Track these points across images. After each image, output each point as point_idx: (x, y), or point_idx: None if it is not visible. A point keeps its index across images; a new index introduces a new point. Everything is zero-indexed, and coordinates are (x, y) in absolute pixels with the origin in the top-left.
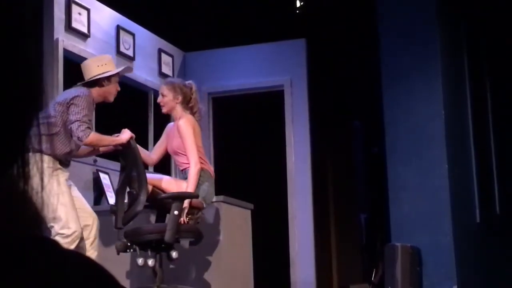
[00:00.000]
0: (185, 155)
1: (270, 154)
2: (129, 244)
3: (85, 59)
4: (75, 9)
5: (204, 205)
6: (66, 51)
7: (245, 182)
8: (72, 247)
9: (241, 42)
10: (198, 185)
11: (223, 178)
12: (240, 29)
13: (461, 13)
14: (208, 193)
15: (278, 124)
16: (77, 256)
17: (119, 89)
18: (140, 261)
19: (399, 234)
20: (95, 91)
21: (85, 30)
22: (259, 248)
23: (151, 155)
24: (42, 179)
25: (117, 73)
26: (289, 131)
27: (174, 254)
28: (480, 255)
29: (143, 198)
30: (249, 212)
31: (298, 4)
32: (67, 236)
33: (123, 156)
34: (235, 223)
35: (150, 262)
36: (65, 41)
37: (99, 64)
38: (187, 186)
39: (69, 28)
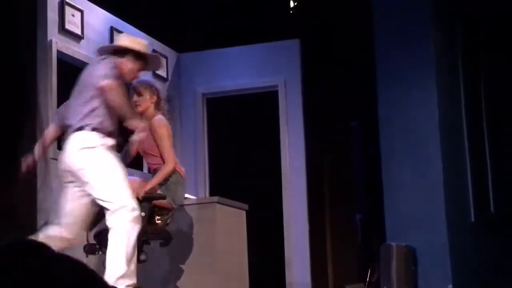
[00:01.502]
0: (156, 156)
1: (265, 155)
2: (97, 246)
3: (78, 60)
4: (68, 10)
5: (174, 206)
6: (59, 52)
7: (239, 183)
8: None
9: (235, 43)
10: (168, 186)
11: (217, 178)
12: (234, 29)
13: (457, 14)
14: (177, 195)
15: (273, 124)
16: (67, 259)
17: (138, 76)
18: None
19: (394, 234)
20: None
21: (78, 31)
22: (254, 248)
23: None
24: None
25: (141, 56)
26: (283, 132)
27: (142, 256)
28: (475, 255)
29: None
30: (244, 212)
31: (292, 4)
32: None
33: None
34: (230, 224)
35: None
36: (58, 42)
37: (134, 41)
38: (151, 180)
39: (62, 29)
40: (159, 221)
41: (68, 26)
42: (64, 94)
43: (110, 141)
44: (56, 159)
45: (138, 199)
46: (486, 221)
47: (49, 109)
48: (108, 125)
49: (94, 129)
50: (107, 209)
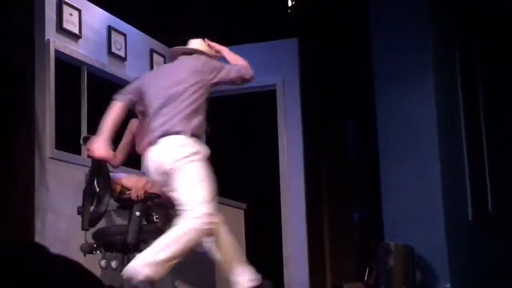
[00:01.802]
0: None
1: (263, 154)
2: (95, 245)
3: (77, 60)
4: (66, 9)
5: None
6: (57, 51)
7: (238, 182)
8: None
9: (233, 42)
10: None
11: (215, 178)
12: (231, 29)
13: (454, 13)
14: None
15: (271, 124)
16: (65, 260)
17: None
18: (102, 263)
19: (393, 233)
20: None
21: (76, 30)
22: (253, 247)
23: (116, 154)
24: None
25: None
26: (281, 131)
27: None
28: (473, 253)
29: (106, 199)
30: (242, 212)
31: (290, 3)
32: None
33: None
34: (228, 223)
35: (113, 264)
36: (56, 41)
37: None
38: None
39: (60, 28)
40: (157, 220)
41: (66, 25)
42: (61, 94)
43: (207, 150)
44: (54, 159)
45: (137, 198)
46: (484, 220)
47: (46, 108)
48: (202, 130)
49: (193, 135)
50: (184, 212)
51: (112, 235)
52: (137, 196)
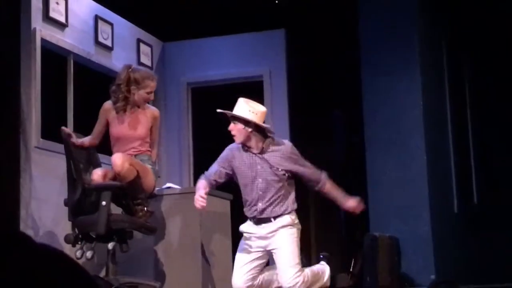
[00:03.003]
0: (147, 142)
1: None
2: (80, 236)
3: (63, 49)
4: None
5: (158, 177)
6: (43, 40)
7: None
8: None
9: (220, 32)
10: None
11: (202, 168)
12: (219, 19)
13: (442, 5)
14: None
15: None
16: (51, 250)
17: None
18: (78, 253)
19: (378, 224)
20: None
21: (63, 19)
22: (239, 238)
23: (92, 140)
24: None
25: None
26: (268, 121)
27: (110, 245)
28: (457, 245)
29: (79, 188)
30: (228, 202)
31: None
32: None
33: (68, 151)
34: (215, 214)
35: (88, 254)
36: (42, 30)
37: (253, 110)
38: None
39: (46, 17)
40: (139, 206)
41: (52, 14)
42: (48, 83)
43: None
44: (39, 148)
45: (101, 188)
46: (469, 212)
47: (32, 97)
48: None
49: (292, 210)
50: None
51: (86, 225)
52: (99, 183)
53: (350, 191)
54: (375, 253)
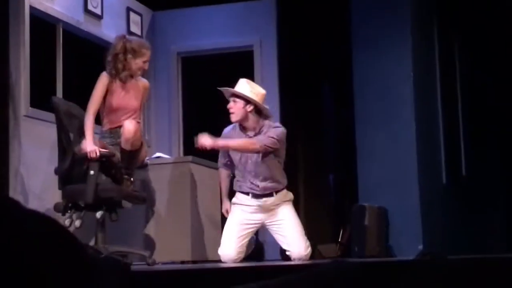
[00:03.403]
0: (134, 113)
1: None
2: (70, 204)
3: (52, 17)
4: None
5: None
6: (32, 8)
7: None
8: None
9: (211, 2)
10: None
11: (192, 138)
12: None
13: None
14: None
15: None
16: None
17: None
18: (67, 221)
19: (367, 195)
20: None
21: None
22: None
23: (95, 115)
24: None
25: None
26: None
27: (98, 214)
28: (446, 216)
29: (68, 156)
30: (216, 172)
31: None
32: None
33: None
34: (204, 183)
35: (77, 222)
36: None
37: (254, 91)
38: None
39: None
40: (127, 176)
41: None
42: (36, 51)
43: None
44: (28, 117)
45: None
46: (458, 183)
47: (20, 66)
48: None
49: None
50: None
51: (75, 194)
52: (91, 154)
53: (340, 162)
54: (363, 223)
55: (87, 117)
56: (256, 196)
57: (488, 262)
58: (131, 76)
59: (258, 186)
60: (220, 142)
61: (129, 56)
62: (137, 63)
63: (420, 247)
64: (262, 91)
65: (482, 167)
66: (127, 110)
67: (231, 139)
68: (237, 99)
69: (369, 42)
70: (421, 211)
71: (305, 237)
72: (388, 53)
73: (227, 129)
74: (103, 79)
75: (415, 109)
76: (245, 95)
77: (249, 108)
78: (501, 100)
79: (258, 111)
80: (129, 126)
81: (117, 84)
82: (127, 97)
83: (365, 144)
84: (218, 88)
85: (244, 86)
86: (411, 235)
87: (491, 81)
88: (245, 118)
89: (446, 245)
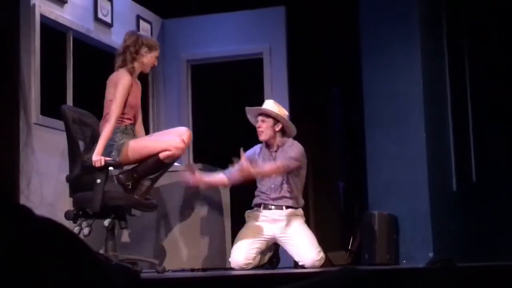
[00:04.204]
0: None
1: (249, 123)
2: (80, 212)
3: (62, 25)
4: None
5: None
6: (43, 17)
7: (223, 150)
8: None
9: (220, 9)
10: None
11: (201, 145)
12: None
13: None
14: None
15: (257, 92)
16: (50, 222)
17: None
18: (76, 229)
19: (377, 202)
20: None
21: None
22: (237, 217)
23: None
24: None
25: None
26: (268, 99)
27: (106, 222)
28: (456, 223)
29: (78, 164)
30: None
31: None
32: None
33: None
34: (214, 191)
35: (86, 230)
36: (42, 6)
37: (281, 111)
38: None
39: None
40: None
41: None
42: (47, 60)
43: None
44: (39, 125)
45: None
46: (468, 190)
47: (31, 74)
48: None
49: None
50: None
51: (83, 202)
52: (96, 164)
53: (349, 169)
54: (373, 231)
55: (110, 124)
56: (270, 208)
57: (499, 269)
58: (142, 71)
59: (274, 200)
60: (254, 171)
61: (144, 49)
62: (151, 57)
63: (431, 254)
64: (286, 112)
65: (493, 173)
66: (137, 106)
67: (261, 167)
68: (266, 119)
69: (379, 48)
70: (431, 218)
71: (318, 247)
72: (398, 58)
73: (251, 152)
74: (127, 78)
75: (425, 114)
76: (277, 115)
77: (278, 127)
78: None
79: (283, 130)
80: (187, 133)
81: (133, 80)
82: (138, 93)
83: (374, 150)
84: (247, 108)
85: (272, 107)
86: (421, 242)
87: (502, 86)
88: (272, 136)
89: (456, 252)
